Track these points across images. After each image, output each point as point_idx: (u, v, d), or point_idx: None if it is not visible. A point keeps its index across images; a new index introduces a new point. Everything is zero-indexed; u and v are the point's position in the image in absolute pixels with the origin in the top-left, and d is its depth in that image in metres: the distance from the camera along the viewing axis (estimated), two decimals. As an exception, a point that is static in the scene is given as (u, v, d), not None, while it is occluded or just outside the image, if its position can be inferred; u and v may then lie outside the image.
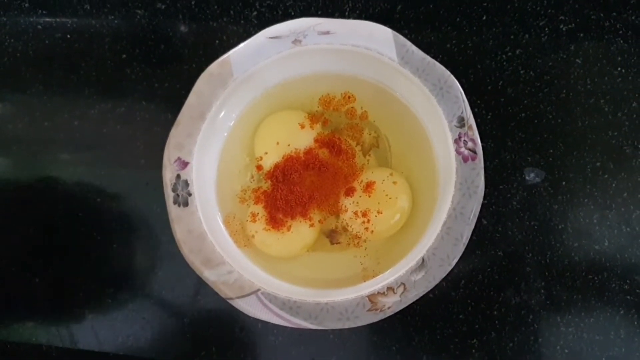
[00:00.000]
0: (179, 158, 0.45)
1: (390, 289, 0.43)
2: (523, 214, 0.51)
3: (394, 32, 0.45)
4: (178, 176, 0.45)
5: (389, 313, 0.42)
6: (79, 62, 0.56)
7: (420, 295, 0.42)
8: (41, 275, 0.54)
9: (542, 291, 0.50)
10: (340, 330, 0.48)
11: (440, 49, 0.54)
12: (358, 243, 0.48)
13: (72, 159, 0.55)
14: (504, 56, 0.53)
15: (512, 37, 0.53)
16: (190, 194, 0.45)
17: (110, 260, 0.53)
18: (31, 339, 0.53)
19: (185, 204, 0.45)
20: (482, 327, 0.51)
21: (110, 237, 0.54)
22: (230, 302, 0.43)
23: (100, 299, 0.53)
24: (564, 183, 0.51)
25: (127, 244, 0.53)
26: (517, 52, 0.53)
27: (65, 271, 0.54)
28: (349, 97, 0.50)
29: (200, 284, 0.44)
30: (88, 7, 0.57)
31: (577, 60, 0.53)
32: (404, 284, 0.43)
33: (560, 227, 0.51)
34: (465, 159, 0.44)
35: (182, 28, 0.56)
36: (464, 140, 0.44)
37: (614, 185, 0.51)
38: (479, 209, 0.43)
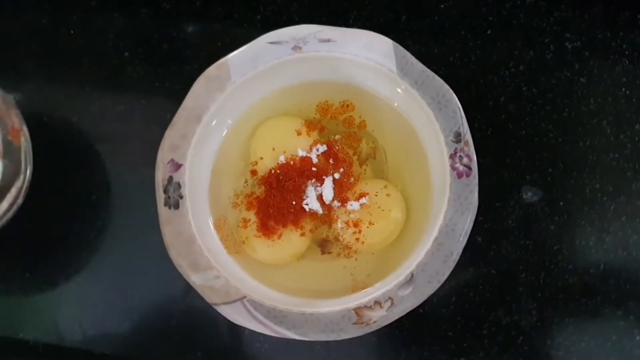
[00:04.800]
0: (172, 160, 0.45)
1: (377, 302, 0.42)
2: (518, 233, 0.50)
3: (394, 43, 0.45)
4: (170, 178, 0.45)
5: (375, 327, 0.42)
6: (81, 58, 0.56)
7: (407, 310, 0.42)
8: (32, 271, 0.54)
9: (534, 312, 0.49)
10: (327, 341, 0.47)
11: (443, 61, 0.53)
12: (349, 254, 0.47)
13: (69, 155, 0.55)
14: (507, 72, 0.53)
15: (516, 52, 0.53)
16: (181, 197, 0.45)
17: (101, 258, 0.53)
18: (18, 334, 0.53)
19: (176, 206, 0.45)
20: (471, 345, 0.50)
21: (103, 235, 0.54)
22: (216, 307, 0.43)
23: (89, 297, 0.53)
24: (561, 203, 0.51)
25: (120, 243, 0.53)
26: (521, 68, 0.53)
27: (56, 267, 0.54)
28: (348, 106, 0.49)
29: (190, 287, 0.43)
30: (93, 4, 0.57)
31: (582, 79, 0.52)
32: (391, 299, 0.42)
33: (555, 248, 0.50)
34: (459, 175, 0.43)
35: (186, 29, 0.56)
36: (460, 155, 0.44)
37: (612, 208, 0.50)
38: (471, 227, 0.42)
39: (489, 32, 0.53)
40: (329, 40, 0.46)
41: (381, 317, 0.42)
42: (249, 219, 0.48)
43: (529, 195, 0.51)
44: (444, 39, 0.54)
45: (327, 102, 0.49)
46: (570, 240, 0.50)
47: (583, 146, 0.51)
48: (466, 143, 0.44)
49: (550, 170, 0.51)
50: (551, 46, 0.53)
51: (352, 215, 0.47)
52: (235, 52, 0.46)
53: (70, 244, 0.54)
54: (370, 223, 0.46)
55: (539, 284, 0.50)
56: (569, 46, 0.53)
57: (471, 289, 0.50)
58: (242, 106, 0.49)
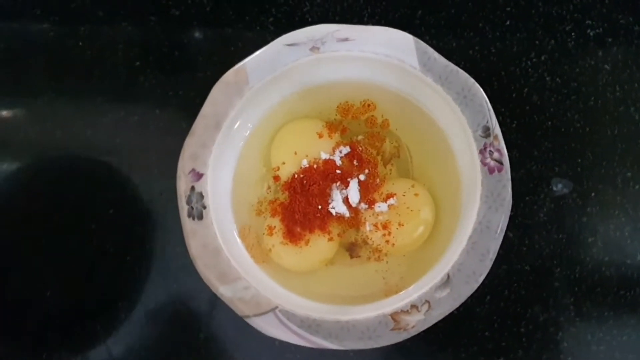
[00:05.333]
0: (193, 169, 0.44)
1: (414, 306, 0.41)
2: (551, 227, 0.49)
3: (415, 39, 0.44)
4: (192, 188, 0.44)
5: (413, 332, 0.40)
6: (92, 70, 0.55)
7: (446, 313, 0.40)
8: (53, 288, 0.52)
9: (572, 307, 0.48)
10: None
11: (463, 55, 0.52)
12: (379, 257, 0.46)
13: (84, 169, 0.54)
14: (529, 62, 0.52)
15: (537, 42, 0.52)
16: (205, 207, 0.44)
17: (123, 273, 0.52)
18: (42, 355, 0.52)
19: (200, 217, 0.44)
20: (509, 344, 0.49)
21: (123, 249, 0.52)
22: (247, 320, 0.41)
23: (112, 314, 0.51)
24: (593, 194, 0.50)
25: (141, 257, 0.52)
26: (543, 58, 0.51)
27: (77, 284, 0.53)
28: (369, 105, 0.48)
29: (217, 299, 0.42)
30: (101, 14, 0.56)
31: (606, 66, 0.51)
32: (428, 302, 0.41)
33: (589, 240, 0.49)
34: (491, 171, 0.42)
35: (197, 34, 0.55)
36: (490, 150, 0.42)
37: (645, 196, 0.49)
38: (506, 223, 0.41)
39: (507, 23, 0.52)
40: (347, 39, 0.45)
41: (419, 322, 0.41)
42: (274, 226, 0.46)
43: (559, 187, 0.50)
44: (462, 32, 0.52)
45: (347, 102, 0.48)
46: (604, 231, 0.49)
47: (611, 135, 0.50)
48: (495, 137, 0.43)
49: (579, 160, 0.50)
50: (573, 34, 0.52)
51: (380, 217, 0.46)
52: (252, 56, 0.45)
53: (89, 259, 0.53)
54: (399, 224, 0.45)
55: (575, 278, 0.49)
56: (591, 33, 0.52)
57: (505, 287, 0.49)
58: (262, 111, 0.47)
